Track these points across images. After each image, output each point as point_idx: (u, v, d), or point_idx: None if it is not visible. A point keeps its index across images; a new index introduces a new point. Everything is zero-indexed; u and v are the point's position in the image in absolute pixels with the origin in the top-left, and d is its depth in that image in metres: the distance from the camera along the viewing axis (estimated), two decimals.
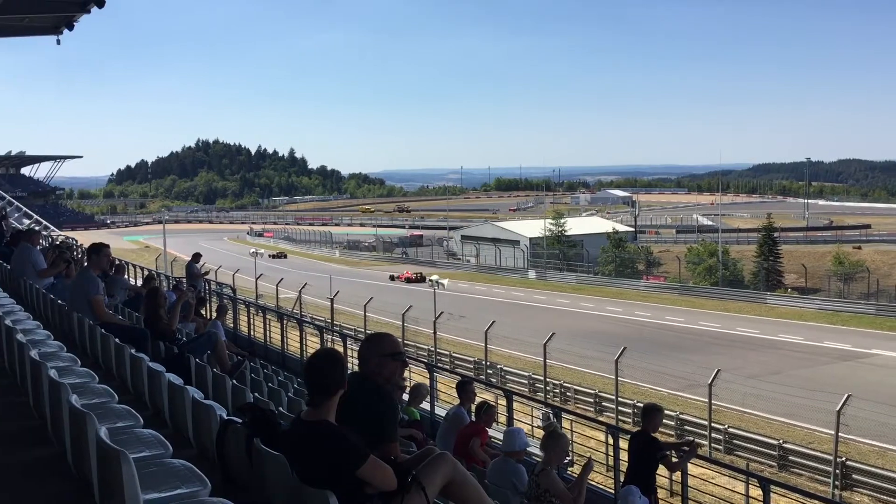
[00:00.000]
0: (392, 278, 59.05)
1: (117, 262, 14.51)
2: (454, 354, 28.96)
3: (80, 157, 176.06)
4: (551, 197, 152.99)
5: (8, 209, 30.17)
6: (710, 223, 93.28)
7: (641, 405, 12.99)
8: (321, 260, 78.02)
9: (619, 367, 21.68)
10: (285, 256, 78.34)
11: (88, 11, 14.47)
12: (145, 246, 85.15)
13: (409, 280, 57.23)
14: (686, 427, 20.80)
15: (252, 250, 60.92)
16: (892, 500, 16.81)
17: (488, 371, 26.60)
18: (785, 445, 19.16)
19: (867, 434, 18.93)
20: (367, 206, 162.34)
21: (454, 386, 9.81)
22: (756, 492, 11.61)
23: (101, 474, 3.24)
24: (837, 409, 17.25)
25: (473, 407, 9.14)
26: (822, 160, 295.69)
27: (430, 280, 37.79)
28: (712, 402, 19.74)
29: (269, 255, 73.11)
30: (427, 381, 12.98)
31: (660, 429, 8.37)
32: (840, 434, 17.55)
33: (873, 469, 17.60)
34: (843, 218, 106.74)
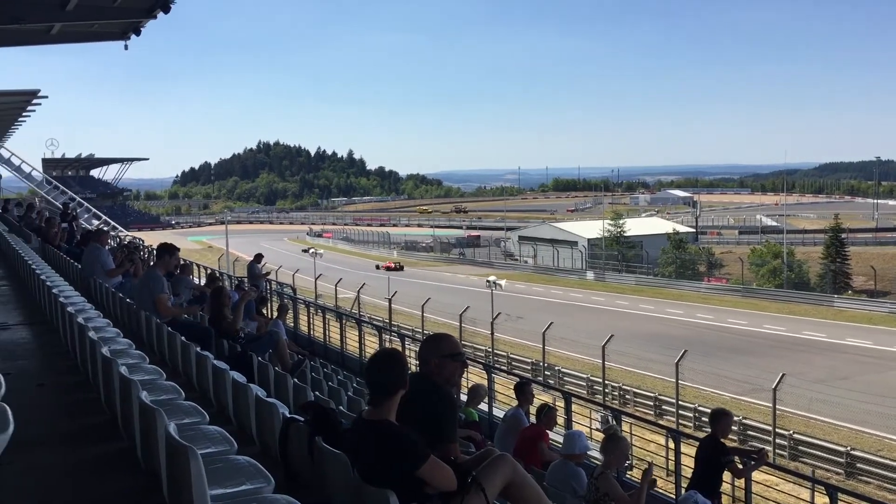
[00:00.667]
0: (377, 267, 67.58)
1: (183, 262, 14.85)
2: (512, 355, 28.91)
3: (147, 159, 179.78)
4: (610, 197, 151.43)
5: (78, 210, 31.12)
6: (774, 224, 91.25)
7: (707, 409, 12.79)
8: (379, 260, 78.57)
9: (679, 370, 21.36)
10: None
11: (155, 17, 14.82)
12: (208, 246, 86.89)
13: (388, 269, 65.17)
14: (749, 432, 20.41)
15: (311, 249, 62.30)
16: None
17: (546, 372, 26.47)
18: (853, 452, 18.67)
19: None
20: (424, 207, 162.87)
21: (512, 387, 9.79)
22: (822, 500, 11.32)
23: (170, 469, 3.32)
24: None
25: (532, 408, 9.12)
26: (892, 159, 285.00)
27: (488, 281, 37.77)
28: (777, 406, 19.33)
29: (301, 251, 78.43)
30: (485, 382, 12.98)
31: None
32: None
33: None
34: None
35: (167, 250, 9.01)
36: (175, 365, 6.96)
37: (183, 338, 6.99)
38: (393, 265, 68.72)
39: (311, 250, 78.95)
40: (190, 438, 3.42)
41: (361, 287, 33.44)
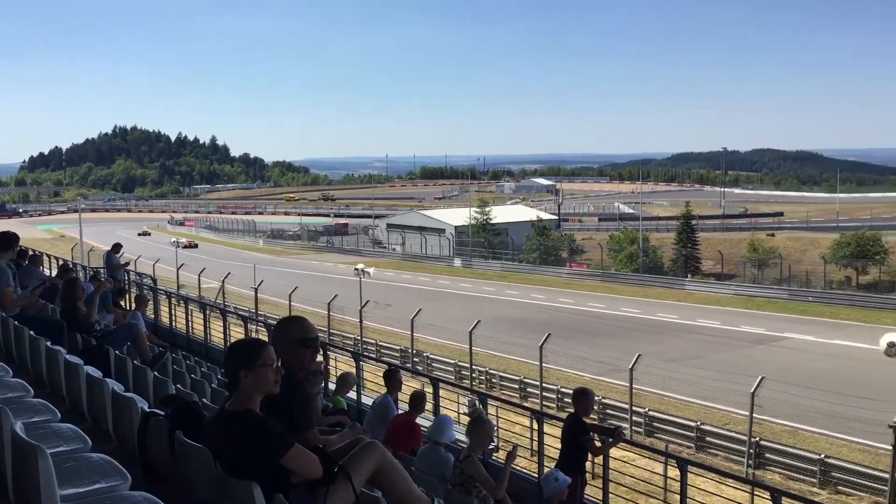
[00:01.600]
0: (176, 244, 70.59)
1: (31, 253, 13.99)
2: (381, 343, 28.93)
3: None
4: (476, 185, 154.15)
5: None
6: (630, 211, 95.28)
7: (567, 390, 13.18)
8: (244, 249, 76.82)
9: (543, 353, 21.97)
10: (149, 234, 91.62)
11: None
12: (60, 235, 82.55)
13: (186, 246, 72.94)
14: (608, 411, 21.26)
15: (146, 231, 60.26)
16: (802, 476, 17.55)
17: (415, 359, 26.66)
18: (702, 427, 19.79)
19: (780, 415, 19.66)
20: (291, 195, 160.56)
21: (381, 375, 9.80)
22: (674, 472, 11.93)
23: (17, 470, 3.15)
24: (751, 391, 17.87)
25: (401, 395, 9.16)
26: (738, 150, 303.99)
27: (356, 269, 37.58)
28: (633, 386, 20.19)
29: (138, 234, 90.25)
30: (353, 371, 12.93)
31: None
32: (754, 415, 18.19)
33: (785, 448, 18.34)
34: (757, 206, 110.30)
35: (7, 239, 8.47)
36: (23, 361, 6.60)
37: (32, 332, 6.62)
38: (189, 243, 77.88)
39: (146, 231, 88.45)
40: (39, 437, 3.27)
41: (226, 276, 32.56)
